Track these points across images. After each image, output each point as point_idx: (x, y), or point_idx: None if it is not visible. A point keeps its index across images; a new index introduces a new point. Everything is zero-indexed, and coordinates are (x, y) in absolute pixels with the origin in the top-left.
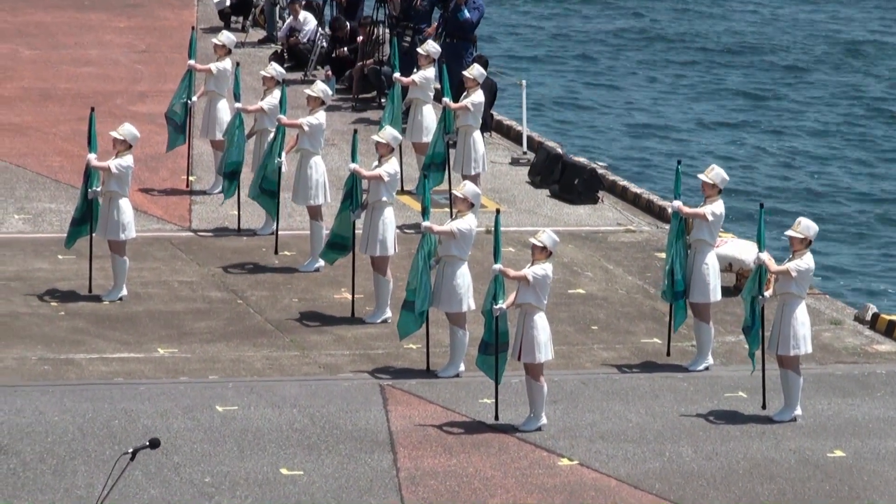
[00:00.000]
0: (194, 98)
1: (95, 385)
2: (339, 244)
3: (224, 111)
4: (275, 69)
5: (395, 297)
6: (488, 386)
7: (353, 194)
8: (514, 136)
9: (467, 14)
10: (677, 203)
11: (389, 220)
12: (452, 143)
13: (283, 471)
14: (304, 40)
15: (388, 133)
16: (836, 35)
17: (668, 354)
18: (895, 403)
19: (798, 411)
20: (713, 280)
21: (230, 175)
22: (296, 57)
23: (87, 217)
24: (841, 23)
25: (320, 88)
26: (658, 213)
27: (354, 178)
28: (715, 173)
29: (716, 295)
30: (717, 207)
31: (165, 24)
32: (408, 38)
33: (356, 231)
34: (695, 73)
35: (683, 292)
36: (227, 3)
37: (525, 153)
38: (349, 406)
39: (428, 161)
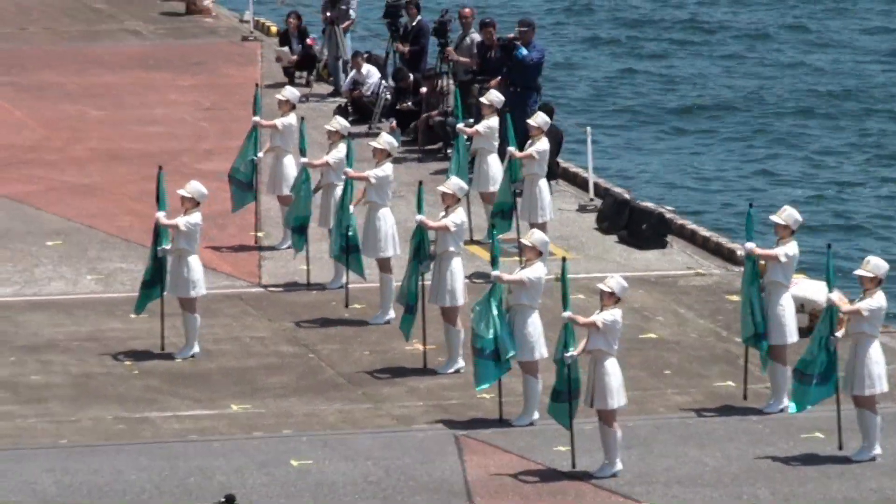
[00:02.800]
0: (260, 154)
1: (170, 443)
2: (413, 306)
3: (291, 166)
4: (339, 123)
5: (466, 347)
6: (563, 433)
7: (422, 247)
8: (581, 183)
9: (524, 52)
10: (750, 245)
11: (458, 270)
12: (519, 192)
13: None
14: (368, 93)
15: (454, 183)
16: None
17: (745, 398)
18: None
19: (877, 450)
20: (789, 321)
21: (299, 229)
22: (360, 110)
23: (156, 279)
24: None
25: (386, 140)
26: (728, 256)
27: (422, 231)
28: (787, 214)
29: (792, 336)
30: (790, 249)
31: (230, 82)
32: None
33: (426, 282)
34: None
35: (764, 334)
36: (294, 58)
37: (592, 199)
38: (424, 457)
39: (496, 210)
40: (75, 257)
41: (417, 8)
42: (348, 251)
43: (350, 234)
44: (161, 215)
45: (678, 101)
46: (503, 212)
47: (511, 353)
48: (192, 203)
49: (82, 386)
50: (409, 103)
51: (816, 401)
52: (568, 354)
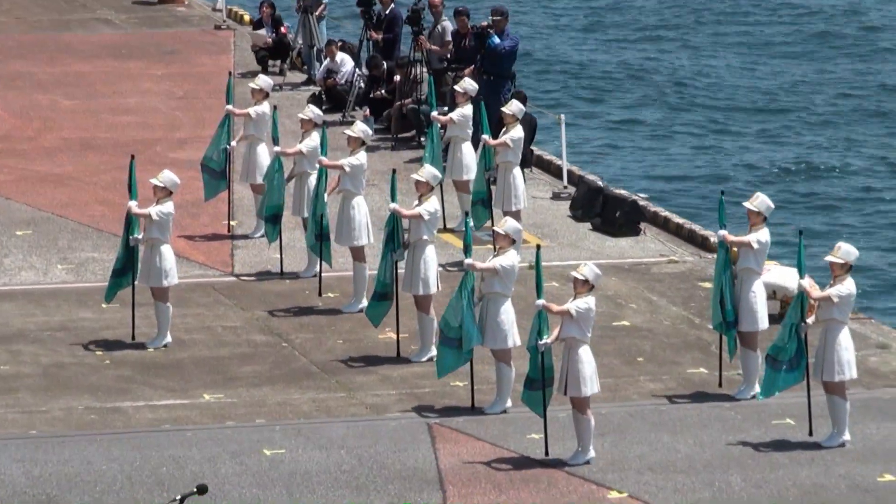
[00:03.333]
0: (233, 143)
1: (142, 433)
2: (383, 294)
3: (263, 155)
4: (312, 111)
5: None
6: (536, 421)
7: (395, 235)
8: (555, 171)
9: (497, 40)
10: (723, 232)
11: (431, 259)
12: (493, 180)
13: None
14: (342, 81)
15: (428, 171)
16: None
17: (720, 385)
18: None
19: (847, 436)
20: (760, 308)
21: (272, 219)
22: (334, 98)
23: (127, 268)
24: None
25: (360, 129)
26: (701, 243)
27: (395, 219)
28: (760, 201)
29: (763, 323)
30: (762, 235)
31: (203, 70)
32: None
33: (399, 271)
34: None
35: (734, 322)
36: (269, 40)
37: (566, 187)
38: (397, 446)
39: (475, 199)
40: (46, 247)
41: None
42: (324, 239)
43: (324, 222)
44: (133, 204)
45: (653, 90)
46: (482, 201)
47: (473, 345)
48: (164, 192)
49: (53, 376)
50: (383, 91)
51: (785, 387)
52: (541, 342)
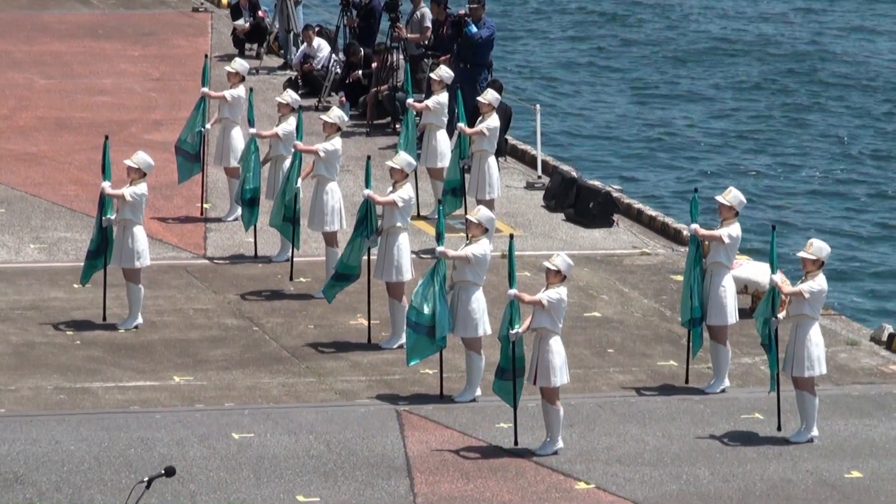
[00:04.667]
0: (208, 126)
1: (111, 414)
2: (345, 275)
3: (238, 138)
4: (290, 96)
5: None
6: (505, 410)
7: (367, 221)
8: (529, 161)
9: (474, 29)
10: (694, 226)
11: (404, 246)
12: (467, 168)
13: (300, 498)
14: (319, 67)
15: (402, 159)
16: (871, 58)
17: (687, 382)
18: None
19: (815, 432)
20: (730, 302)
21: (249, 202)
22: (310, 83)
23: (101, 250)
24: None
25: (336, 115)
26: (673, 236)
27: (368, 205)
28: (732, 196)
29: (732, 317)
30: (733, 230)
31: (179, 52)
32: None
33: (371, 257)
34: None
35: (700, 319)
36: (246, 24)
37: (540, 177)
38: (366, 432)
39: (447, 187)
40: (18, 226)
41: None
42: (294, 223)
43: (296, 206)
44: (106, 185)
45: (633, 81)
46: (454, 189)
47: (446, 332)
48: (138, 173)
49: (23, 355)
50: (360, 73)
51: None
52: (513, 332)
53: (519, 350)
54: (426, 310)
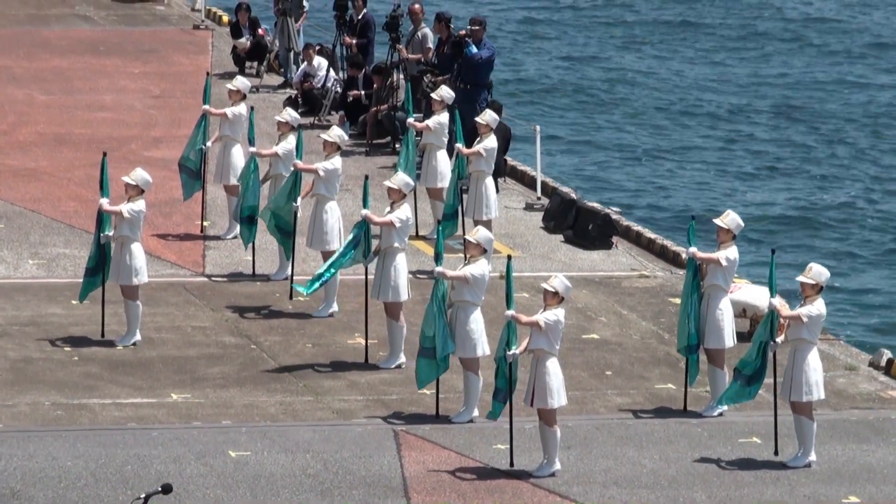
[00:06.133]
0: (209, 143)
1: (108, 430)
2: (320, 275)
3: (238, 156)
4: (290, 114)
5: (408, 343)
6: (502, 431)
7: (365, 240)
8: (529, 182)
9: (474, 49)
10: (692, 249)
11: (402, 266)
12: (465, 189)
13: None
14: (319, 85)
15: (400, 179)
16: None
17: (685, 409)
18: None
19: (812, 457)
20: (727, 326)
21: (248, 220)
22: (310, 102)
23: (100, 266)
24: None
25: (336, 133)
26: (672, 259)
27: (364, 224)
28: (731, 219)
29: (730, 341)
30: (731, 253)
31: (180, 70)
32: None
33: (369, 277)
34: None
35: (697, 346)
36: (247, 42)
37: (539, 198)
38: (362, 451)
39: (446, 210)
40: (17, 241)
41: (364, 0)
42: (279, 231)
43: (286, 219)
44: (104, 201)
45: (633, 103)
46: (452, 213)
47: (448, 352)
48: (136, 190)
49: (20, 371)
50: (362, 93)
51: (738, 401)
52: (510, 353)
53: (514, 372)
54: (430, 332)
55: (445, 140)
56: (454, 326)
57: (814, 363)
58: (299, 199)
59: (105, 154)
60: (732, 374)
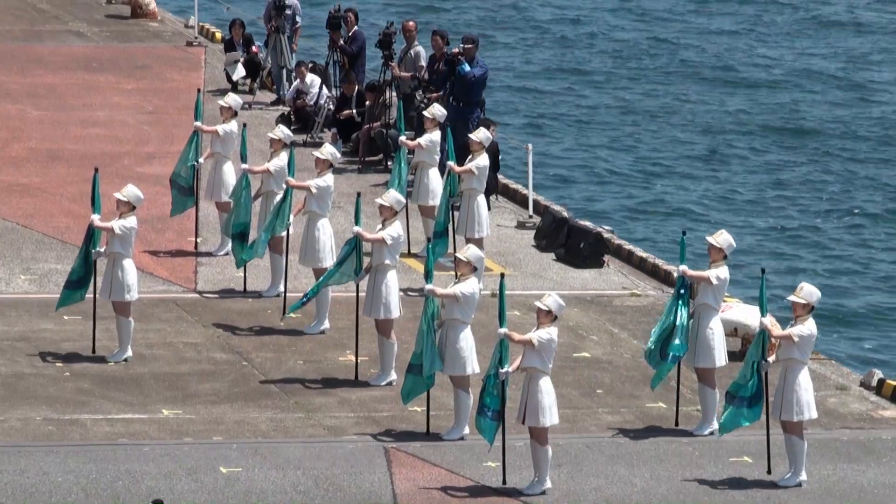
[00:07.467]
0: (201, 160)
1: (99, 446)
2: (312, 296)
3: (230, 173)
4: (282, 131)
5: (400, 360)
6: (493, 449)
7: (356, 257)
8: (521, 200)
9: (467, 68)
10: (683, 267)
11: (392, 283)
12: (456, 207)
13: None
14: (311, 103)
15: (392, 196)
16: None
17: (677, 425)
18: None
19: (803, 476)
20: (717, 345)
21: (239, 237)
22: (303, 119)
23: (83, 281)
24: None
25: (329, 151)
26: (664, 278)
27: (355, 241)
28: (723, 238)
29: (721, 360)
30: (721, 272)
31: (173, 86)
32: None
33: (360, 294)
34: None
35: (678, 357)
36: (243, 73)
37: (531, 217)
38: (353, 468)
39: (437, 229)
40: (9, 257)
41: (356, 17)
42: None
43: (280, 233)
44: (95, 217)
45: (623, 122)
46: (442, 231)
47: (434, 371)
48: (127, 207)
49: (11, 386)
50: (353, 112)
51: (744, 424)
52: (502, 371)
53: (504, 390)
54: (418, 349)
55: (437, 158)
56: (444, 344)
57: (805, 383)
58: (291, 217)
59: (97, 170)
60: (725, 398)
